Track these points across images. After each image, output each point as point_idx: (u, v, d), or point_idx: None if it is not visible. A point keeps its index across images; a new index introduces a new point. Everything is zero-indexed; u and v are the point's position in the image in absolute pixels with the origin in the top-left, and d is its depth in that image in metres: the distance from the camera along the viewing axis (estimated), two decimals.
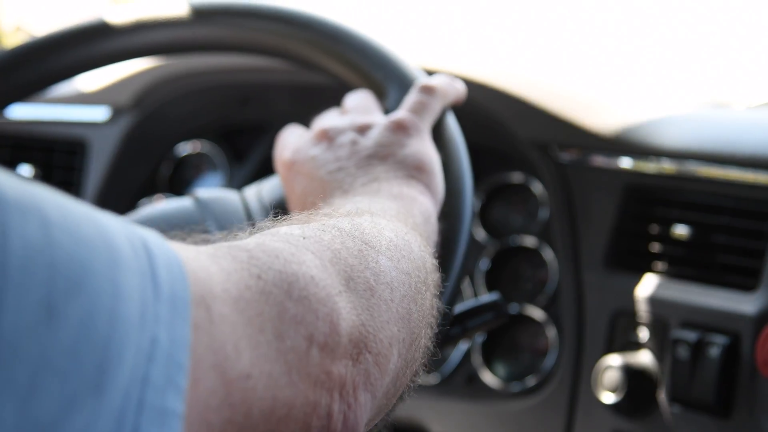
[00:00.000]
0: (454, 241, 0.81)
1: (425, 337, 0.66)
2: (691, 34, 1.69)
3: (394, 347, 0.60)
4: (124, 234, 0.45)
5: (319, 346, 0.53)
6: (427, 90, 0.87)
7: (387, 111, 0.89)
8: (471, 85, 1.32)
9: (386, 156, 0.81)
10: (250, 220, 0.88)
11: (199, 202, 0.90)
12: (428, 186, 0.80)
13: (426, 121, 0.85)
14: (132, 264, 0.43)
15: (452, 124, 0.89)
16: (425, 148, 0.82)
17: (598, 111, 1.27)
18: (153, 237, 0.47)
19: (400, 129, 0.83)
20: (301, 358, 0.52)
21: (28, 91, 1.00)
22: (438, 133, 0.87)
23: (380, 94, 0.91)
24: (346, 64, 0.93)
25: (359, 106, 0.89)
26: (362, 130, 0.84)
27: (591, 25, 1.80)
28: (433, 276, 0.68)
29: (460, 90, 0.92)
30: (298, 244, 0.57)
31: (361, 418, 0.57)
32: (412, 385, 0.65)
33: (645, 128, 1.23)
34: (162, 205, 0.93)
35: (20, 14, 1.98)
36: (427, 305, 0.66)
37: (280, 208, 0.89)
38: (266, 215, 0.89)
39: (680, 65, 1.65)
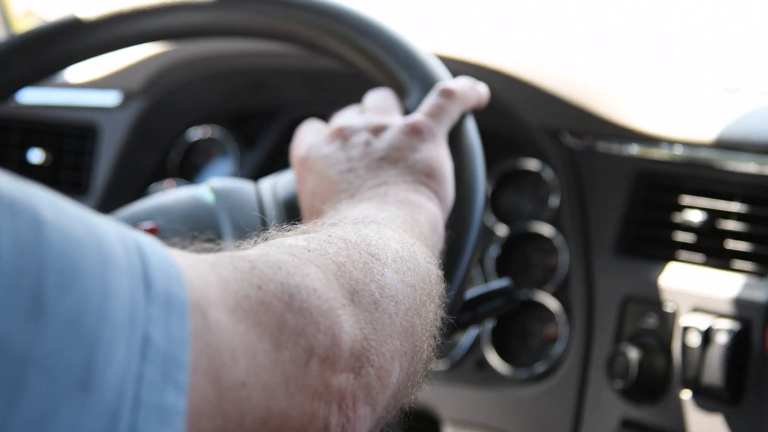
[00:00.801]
0: (461, 251, 0.80)
1: (428, 349, 0.65)
2: (702, 19, 1.69)
3: (396, 361, 0.60)
4: (117, 236, 0.45)
5: (319, 359, 0.53)
6: (447, 93, 0.86)
7: (407, 111, 0.88)
8: (482, 70, 1.31)
9: (397, 159, 0.81)
10: (262, 214, 0.88)
11: (213, 191, 0.90)
12: (437, 192, 0.80)
13: (442, 126, 0.84)
14: (123, 265, 0.43)
15: (470, 129, 0.87)
16: (437, 154, 0.82)
17: (609, 97, 1.27)
18: (149, 241, 0.47)
19: (415, 133, 0.82)
20: (299, 369, 0.52)
21: (38, 76, 1.00)
22: (454, 139, 0.86)
23: (402, 94, 0.90)
24: (371, 60, 0.91)
25: (378, 106, 0.88)
26: (377, 131, 0.83)
27: (601, 11, 1.80)
28: (438, 287, 0.68)
29: (482, 94, 0.90)
30: (303, 256, 0.57)
31: (359, 431, 0.57)
32: (413, 395, 0.65)
33: (656, 114, 1.23)
34: (176, 192, 0.93)
35: None
36: (431, 317, 0.66)
37: (292, 205, 0.89)
38: (279, 210, 0.88)
39: (691, 51, 1.65)
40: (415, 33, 1.05)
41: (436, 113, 0.84)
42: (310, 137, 0.87)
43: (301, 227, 0.65)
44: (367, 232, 0.65)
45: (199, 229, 0.85)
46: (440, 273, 0.69)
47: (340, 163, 0.82)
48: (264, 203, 0.89)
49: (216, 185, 0.91)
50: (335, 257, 0.59)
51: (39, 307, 0.39)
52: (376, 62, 0.91)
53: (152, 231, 0.86)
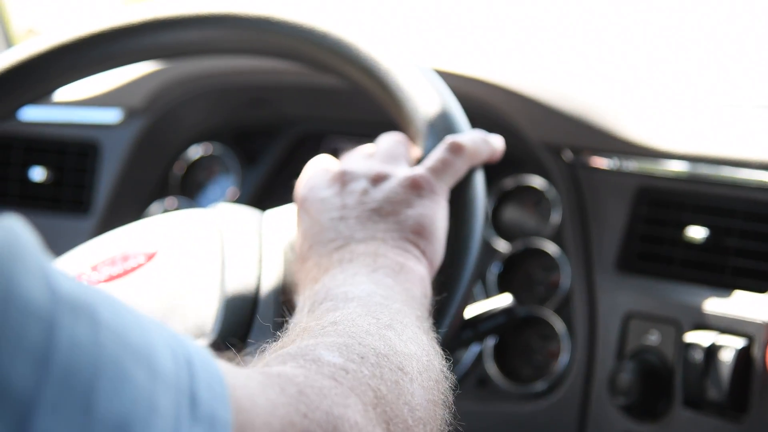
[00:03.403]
0: (448, 309, 0.79)
1: None
2: (703, 34, 1.69)
3: None
4: (168, 346, 0.45)
5: None
6: (455, 149, 0.84)
7: (420, 159, 0.87)
8: (482, 85, 1.31)
9: (389, 214, 0.80)
10: (263, 247, 0.87)
11: (218, 218, 0.88)
12: (424, 252, 0.79)
13: (444, 182, 0.83)
14: (171, 379, 0.43)
15: (475, 187, 0.86)
16: (432, 212, 0.80)
17: (610, 113, 1.27)
18: (200, 355, 0.47)
19: (413, 187, 0.81)
20: None
21: (40, 93, 1.00)
22: (456, 196, 0.85)
23: (416, 139, 0.88)
24: (390, 98, 0.90)
25: (387, 152, 0.87)
26: (377, 180, 0.82)
27: (602, 27, 1.80)
28: (447, 387, 0.68)
29: (495, 148, 0.89)
30: (343, 381, 0.57)
31: None
32: None
33: (657, 130, 1.23)
34: (180, 216, 0.91)
35: (32, 16, 1.98)
36: (443, 427, 0.67)
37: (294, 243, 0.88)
38: (280, 247, 0.87)
39: (693, 66, 1.65)
40: (416, 48, 1.05)
41: (439, 169, 0.83)
42: (312, 177, 0.86)
43: (328, 317, 0.66)
44: (390, 335, 0.65)
45: (199, 255, 0.85)
46: (448, 373, 0.69)
47: (334, 210, 0.81)
48: (267, 238, 0.88)
49: (221, 212, 0.90)
50: (371, 380, 0.59)
51: (89, 411, 0.39)
52: (395, 102, 0.90)
53: (150, 256, 0.85)
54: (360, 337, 0.63)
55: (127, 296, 0.81)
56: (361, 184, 0.82)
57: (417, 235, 0.79)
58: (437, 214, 0.81)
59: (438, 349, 0.69)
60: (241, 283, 0.81)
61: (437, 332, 0.73)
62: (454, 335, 0.82)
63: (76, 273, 0.85)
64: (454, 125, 0.88)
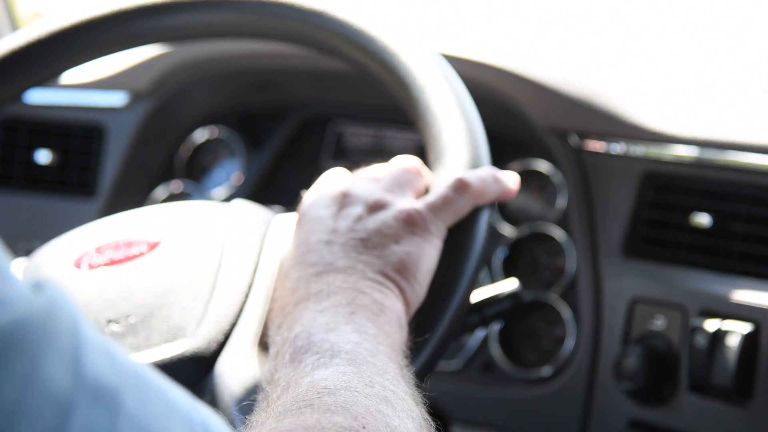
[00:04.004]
0: (418, 359, 0.76)
1: None
2: (711, 19, 1.68)
3: None
4: None
5: None
6: (459, 187, 0.80)
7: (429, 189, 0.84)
8: (489, 70, 1.31)
9: (375, 246, 0.77)
10: (266, 251, 0.85)
11: (229, 214, 0.87)
12: (403, 291, 0.76)
13: (441, 220, 0.79)
14: None
15: (476, 229, 0.82)
16: (420, 252, 0.77)
17: (617, 97, 1.27)
18: None
19: (407, 222, 0.78)
20: None
21: (48, 75, 1.00)
22: (454, 236, 0.81)
23: (433, 165, 0.85)
24: (419, 117, 0.88)
25: (394, 178, 0.83)
26: (374, 208, 0.79)
27: (609, 12, 1.80)
28: None
29: (506, 187, 0.84)
30: None
31: None
32: None
33: (663, 115, 1.23)
34: (189, 206, 0.90)
35: (38, 0, 1.98)
36: None
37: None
38: (273, 263, 0.85)
39: (698, 51, 1.64)
40: (421, 31, 1.05)
41: (438, 207, 0.79)
42: (317, 193, 0.84)
43: (317, 377, 0.64)
44: (388, 412, 0.63)
45: (199, 253, 0.84)
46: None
47: (324, 233, 0.79)
48: (268, 247, 0.86)
49: (232, 210, 0.88)
50: None
51: None
52: (423, 122, 0.87)
53: (153, 245, 0.84)
54: (363, 418, 0.60)
55: (121, 284, 0.81)
56: (356, 210, 0.80)
57: (398, 273, 0.76)
58: (425, 253, 0.78)
59: (428, 418, 0.66)
60: (229, 291, 0.80)
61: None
62: (460, 321, 0.81)
63: (80, 252, 0.85)
64: (472, 159, 0.84)
